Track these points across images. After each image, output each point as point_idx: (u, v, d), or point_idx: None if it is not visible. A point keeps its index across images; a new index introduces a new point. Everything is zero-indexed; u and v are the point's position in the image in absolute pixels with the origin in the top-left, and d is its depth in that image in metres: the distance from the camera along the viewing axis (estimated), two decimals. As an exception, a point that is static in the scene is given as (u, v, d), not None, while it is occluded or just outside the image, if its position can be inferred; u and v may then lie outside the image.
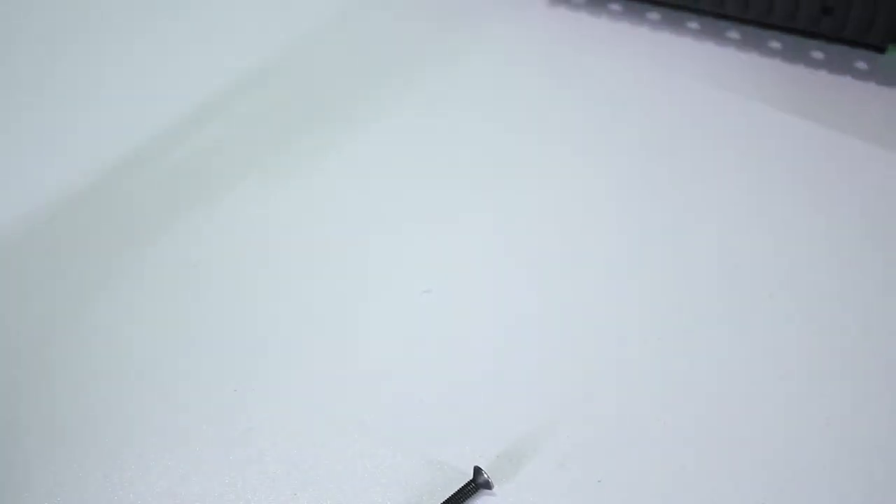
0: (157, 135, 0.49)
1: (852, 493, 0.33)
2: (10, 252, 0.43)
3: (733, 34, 0.53)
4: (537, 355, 0.38)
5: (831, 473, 0.34)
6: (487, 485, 0.33)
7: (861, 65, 0.50)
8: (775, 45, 0.52)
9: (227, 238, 0.43)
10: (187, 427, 0.36)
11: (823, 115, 0.48)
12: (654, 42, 0.54)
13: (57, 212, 0.45)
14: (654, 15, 0.55)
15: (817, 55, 0.51)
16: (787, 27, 0.51)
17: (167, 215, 0.45)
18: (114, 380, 0.38)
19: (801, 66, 0.51)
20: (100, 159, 0.48)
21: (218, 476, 0.35)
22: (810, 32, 0.51)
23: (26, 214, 0.45)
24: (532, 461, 0.34)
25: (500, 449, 0.35)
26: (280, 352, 0.38)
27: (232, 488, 0.34)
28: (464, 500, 0.33)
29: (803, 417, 0.35)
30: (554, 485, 0.34)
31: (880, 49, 0.51)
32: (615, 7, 0.56)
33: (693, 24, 0.54)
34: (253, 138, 0.49)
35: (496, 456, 0.35)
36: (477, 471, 0.33)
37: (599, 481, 0.34)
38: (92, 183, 0.47)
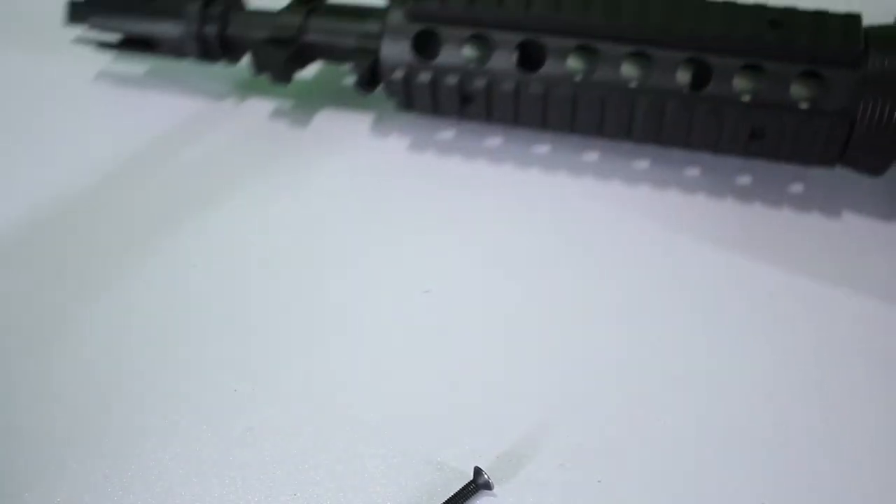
0: (158, 137, 0.49)
1: (851, 492, 0.33)
2: (11, 252, 0.43)
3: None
4: (537, 355, 0.38)
5: (830, 474, 0.34)
6: (488, 485, 0.33)
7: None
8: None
9: (228, 239, 0.43)
10: (187, 427, 0.36)
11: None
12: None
13: (57, 213, 0.45)
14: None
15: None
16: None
17: (167, 216, 0.45)
18: (113, 380, 0.38)
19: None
20: (101, 164, 0.48)
21: (218, 476, 0.35)
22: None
23: (26, 215, 0.45)
24: (532, 461, 0.34)
25: (500, 449, 0.35)
26: (280, 352, 0.38)
27: (232, 488, 0.34)
28: (464, 501, 0.33)
29: (804, 417, 0.35)
30: (554, 485, 0.34)
31: None
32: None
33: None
34: (253, 149, 0.49)
35: (496, 456, 0.35)
36: (477, 471, 0.33)
37: (599, 481, 0.34)
38: (92, 185, 0.47)
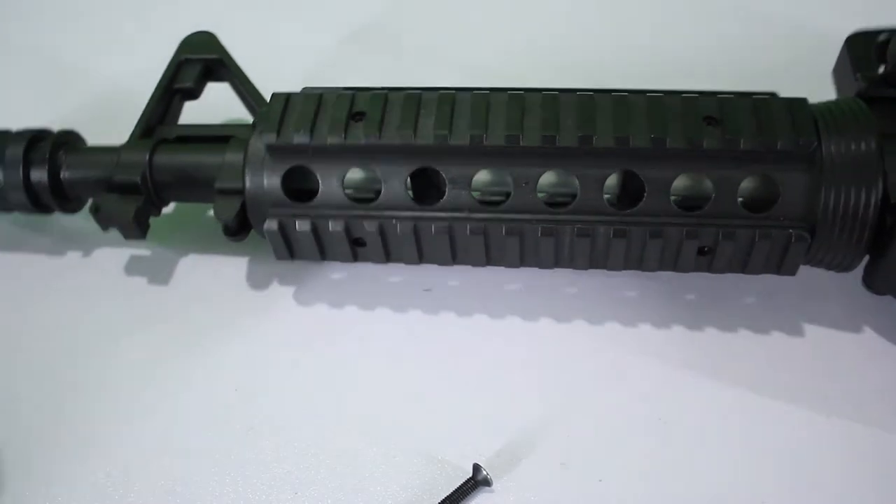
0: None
1: (857, 490, 0.33)
2: (14, 253, 0.44)
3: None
4: (538, 354, 0.38)
5: (833, 473, 0.34)
6: (486, 482, 0.33)
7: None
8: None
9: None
10: (187, 427, 0.36)
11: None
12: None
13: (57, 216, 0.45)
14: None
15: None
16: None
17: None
18: (114, 380, 0.38)
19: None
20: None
21: (218, 476, 0.35)
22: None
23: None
24: (532, 460, 0.35)
25: (501, 448, 0.35)
26: (279, 351, 0.39)
27: (232, 488, 0.34)
28: (463, 498, 0.33)
29: (806, 416, 0.35)
30: (554, 483, 0.34)
31: None
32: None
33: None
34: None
35: (497, 455, 0.35)
36: (476, 468, 0.33)
37: (600, 480, 0.34)
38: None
